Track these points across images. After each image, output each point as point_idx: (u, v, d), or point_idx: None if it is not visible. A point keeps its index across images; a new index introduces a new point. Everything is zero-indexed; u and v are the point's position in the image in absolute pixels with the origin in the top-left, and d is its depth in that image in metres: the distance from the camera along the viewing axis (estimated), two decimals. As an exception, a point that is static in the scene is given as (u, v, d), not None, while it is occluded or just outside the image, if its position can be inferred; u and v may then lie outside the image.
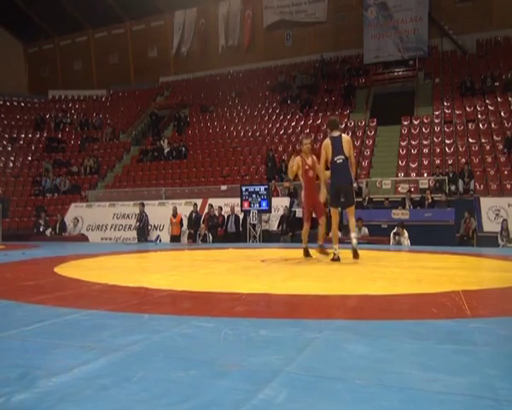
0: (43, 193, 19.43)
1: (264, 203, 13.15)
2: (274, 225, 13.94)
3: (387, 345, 2.09)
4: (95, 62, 29.71)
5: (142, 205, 14.95)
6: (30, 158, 22.33)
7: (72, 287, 4.13)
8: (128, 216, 15.95)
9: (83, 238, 15.53)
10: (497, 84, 18.08)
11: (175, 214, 14.53)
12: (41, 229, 16.33)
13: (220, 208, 14.35)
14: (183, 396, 1.48)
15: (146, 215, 14.85)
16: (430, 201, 12.95)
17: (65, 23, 28.50)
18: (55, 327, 2.48)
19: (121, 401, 1.45)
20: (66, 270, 5.38)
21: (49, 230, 16.22)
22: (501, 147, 15.04)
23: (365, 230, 12.27)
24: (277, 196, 14.89)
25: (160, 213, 15.24)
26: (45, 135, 23.86)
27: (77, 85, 28.27)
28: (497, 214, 12.27)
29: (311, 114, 19.89)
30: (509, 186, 13.50)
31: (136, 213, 15.11)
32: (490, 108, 17.08)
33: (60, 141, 23.41)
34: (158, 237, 15.08)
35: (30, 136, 24.02)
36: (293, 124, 19.73)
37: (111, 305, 3.11)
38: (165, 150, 19.96)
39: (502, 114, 16.53)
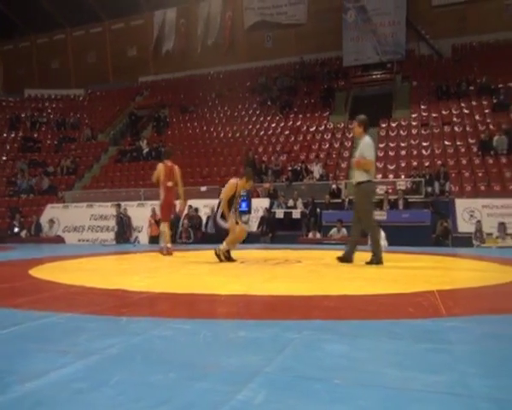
0: (18, 194, 19.01)
1: (243, 204, 13.13)
2: (254, 226, 13.95)
3: (365, 345, 2.11)
4: (72, 61, 29.20)
5: (119, 206, 14.77)
6: (5, 158, 21.79)
7: (49, 289, 4.05)
8: (106, 217, 15.73)
9: (59, 240, 15.25)
10: (471, 88, 18.45)
11: (154, 215, 14.38)
12: (15, 230, 15.97)
13: (196, 209, 14.34)
14: (161, 399, 1.47)
15: (124, 216, 14.67)
16: (402, 201, 13.19)
17: (42, 21, 27.89)
18: (30, 331, 2.43)
19: (97, 405, 1.43)
20: (42, 272, 5.27)
21: (25, 231, 15.87)
22: (475, 149, 15.35)
23: (344, 230, 12.41)
24: (257, 197, 14.91)
25: (138, 214, 15.08)
26: (20, 134, 23.32)
27: (54, 84, 27.70)
28: (471, 215, 12.52)
29: (291, 116, 19.98)
30: (483, 188, 13.78)
31: (114, 215, 14.93)
32: (465, 111, 17.41)
33: (35, 141, 22.92)
34: (136, 238, 14.92)
35: (5, 135, 23.43)
36: (273, 125, 19.78)
37: (88, 308, 3.06)
38: (144, 151, 19.76)
39: (476, 117, 16.86)
